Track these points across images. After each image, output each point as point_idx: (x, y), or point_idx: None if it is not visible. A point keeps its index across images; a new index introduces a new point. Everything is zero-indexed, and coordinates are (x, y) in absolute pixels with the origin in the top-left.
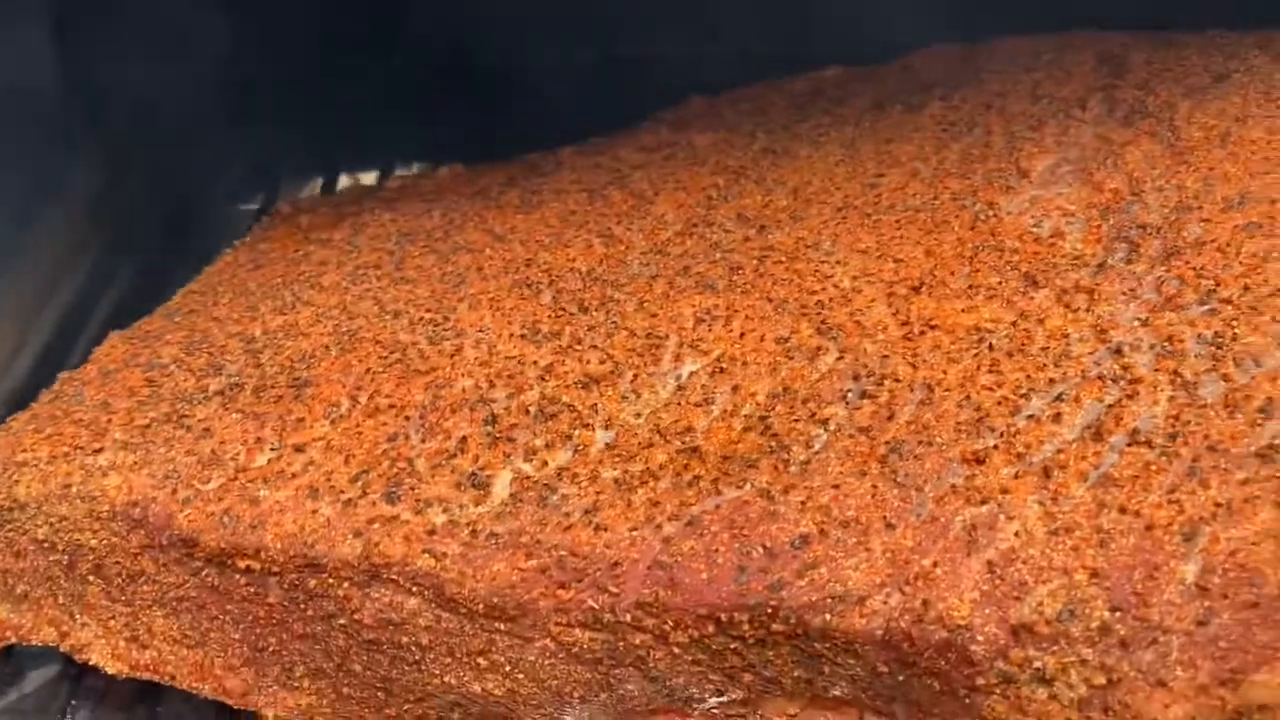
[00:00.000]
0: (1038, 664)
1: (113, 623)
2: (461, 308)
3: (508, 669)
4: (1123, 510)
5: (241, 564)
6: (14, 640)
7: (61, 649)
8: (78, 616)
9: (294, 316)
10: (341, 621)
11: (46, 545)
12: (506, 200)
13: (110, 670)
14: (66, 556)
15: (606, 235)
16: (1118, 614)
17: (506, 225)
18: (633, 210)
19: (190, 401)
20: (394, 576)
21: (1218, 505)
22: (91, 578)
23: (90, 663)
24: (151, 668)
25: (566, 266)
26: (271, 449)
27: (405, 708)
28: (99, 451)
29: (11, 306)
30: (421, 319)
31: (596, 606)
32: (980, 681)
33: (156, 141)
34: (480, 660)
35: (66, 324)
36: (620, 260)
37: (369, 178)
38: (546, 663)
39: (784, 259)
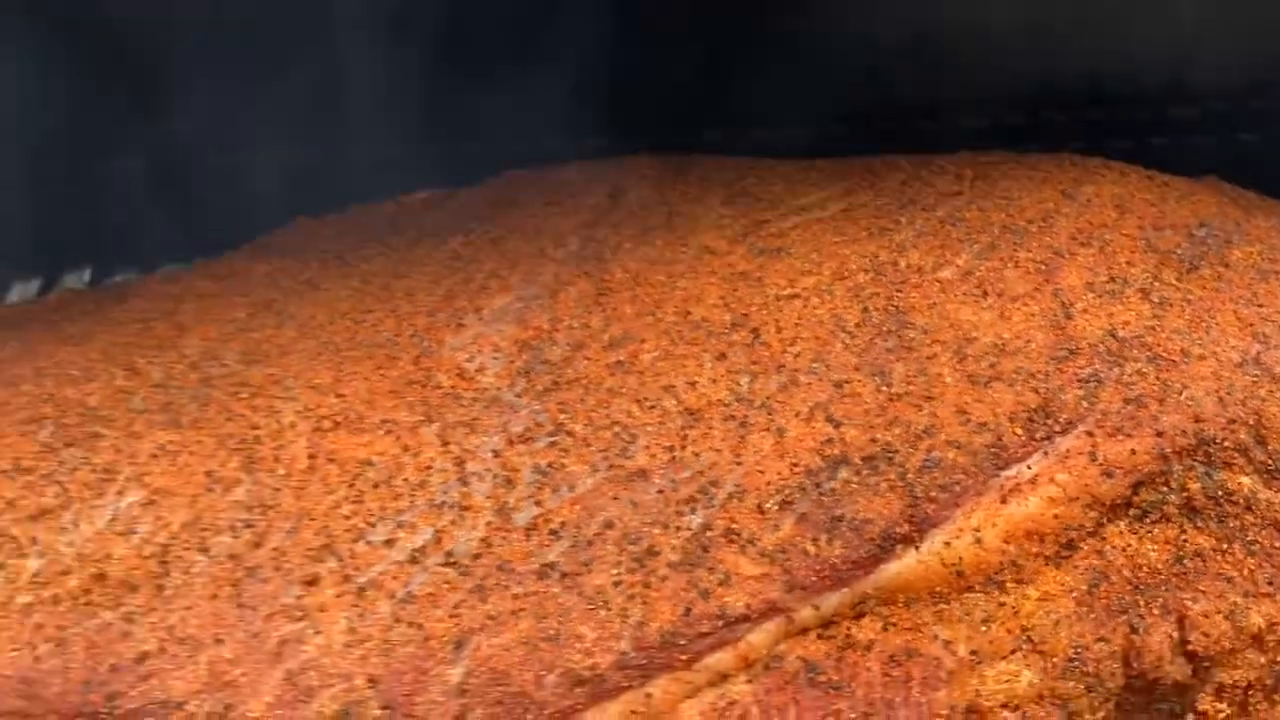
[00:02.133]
0: None
1: None
2: None
3: None
4: (409, 624)
5: None
6: None
7: None
8: None
9: None
10: None
11: None
12: (78, 330)
13: None
14: None
15: (130, 369)
16: (388, 711)
17: (52, 359)
18: (164, 344)
19: None
20: None
21: (490, 617)
22: None
23: None
24: None
25: (77, 402)
26: None
27: None
28: None
29: None
30: None
31: None
32: None
33: None
34: None
35: None
36: (129, 395)
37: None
38: None
39: (248, 394)
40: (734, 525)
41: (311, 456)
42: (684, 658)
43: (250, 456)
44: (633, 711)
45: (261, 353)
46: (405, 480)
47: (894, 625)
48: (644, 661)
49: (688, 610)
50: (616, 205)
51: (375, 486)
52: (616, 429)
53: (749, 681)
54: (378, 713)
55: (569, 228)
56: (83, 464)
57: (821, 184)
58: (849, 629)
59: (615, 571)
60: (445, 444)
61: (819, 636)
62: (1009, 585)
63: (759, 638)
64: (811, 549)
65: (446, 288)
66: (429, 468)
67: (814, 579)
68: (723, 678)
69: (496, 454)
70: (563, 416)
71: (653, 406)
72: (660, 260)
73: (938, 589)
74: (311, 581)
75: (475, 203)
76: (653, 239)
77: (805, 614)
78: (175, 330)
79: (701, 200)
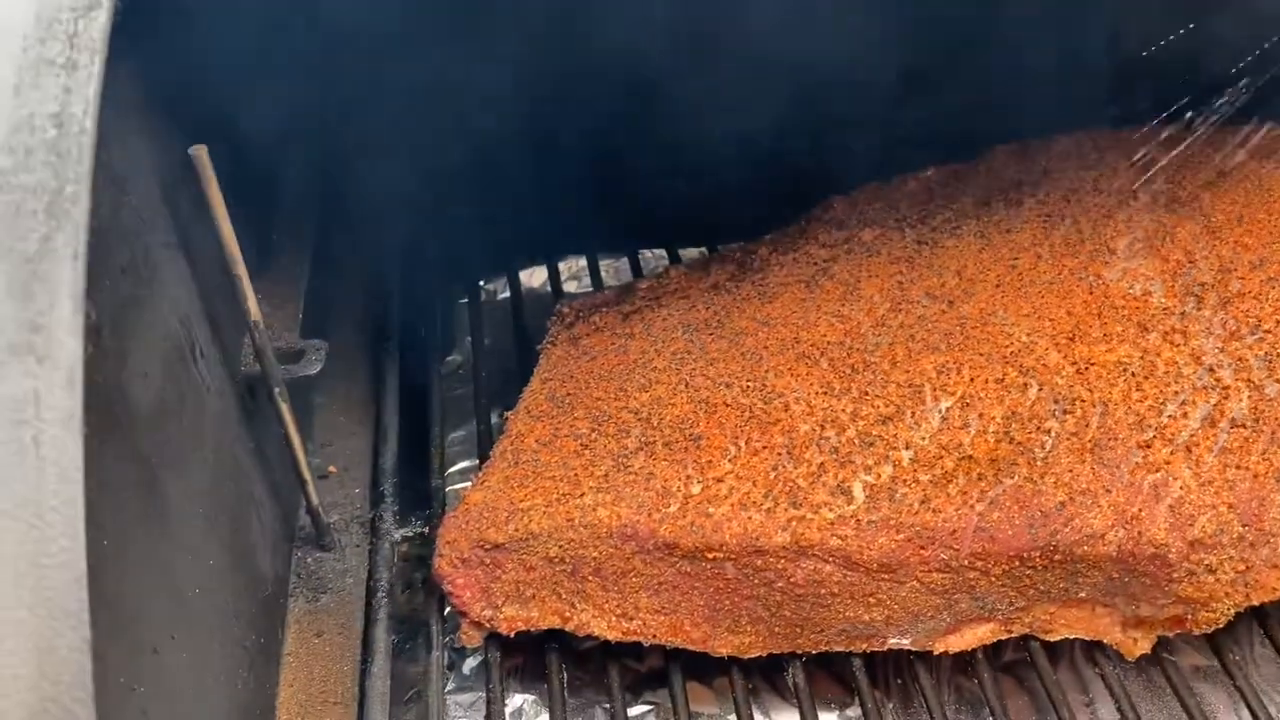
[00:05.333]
0: (1206, 561)
1: (606, 605)
2: (769, 377)
3: (887, 602)
4: (1238, 467)
5: (709, 555)
6: (524, 628)
7: (566, 629)
8: (578, 605)
9: (655, 393)
10: (779, 584)
11: (555, 560)
12: (744, 294)
13: (608, 638)
14: (571, 566)
15: (839, 315)
16: (1246, 528)
17: (763, 313)
18: (846, 295)
19: (625, 456)
20: (816, 553)
21: None
22: (591, 577)
23: (591, 634)
24: (637, 632)
25: (824, 341)
26: (699, 482)
27: (811, 636)
28: (582, 495)
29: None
30: (747, 387)
31: (945, 558)
32: (1174, 575)
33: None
34: (870, 599)
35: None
36: (858, 333)
37: (540, 273)
38: (913, 596)
39: (976, 324)
40: None
41: (1073, 363)
42: None
43: (1021, 366)
44: None
45: (949, 296)
46: (1164, 373)
47: None
48: None
49: None
50: (1150, 164)
51: (1147, 378)
52: None
53: None
54: (1240, 529)
55: (1124, 184)
56: (887, 382)
57: None
58: None
59: None
60: (1175, 346)
61: None
62: None
63: None
64: None
65: (1062, 236)
66: (1175, 363)
67: None
68: None
69: (1221, 349)
70: (1251, 320)
71: None
72: (1251, 204)
73: None
74: (1147, 445)
75: (997, 173)
76: (1229, 189)
77: None
78: (842, 286)
79: (1232, 156)
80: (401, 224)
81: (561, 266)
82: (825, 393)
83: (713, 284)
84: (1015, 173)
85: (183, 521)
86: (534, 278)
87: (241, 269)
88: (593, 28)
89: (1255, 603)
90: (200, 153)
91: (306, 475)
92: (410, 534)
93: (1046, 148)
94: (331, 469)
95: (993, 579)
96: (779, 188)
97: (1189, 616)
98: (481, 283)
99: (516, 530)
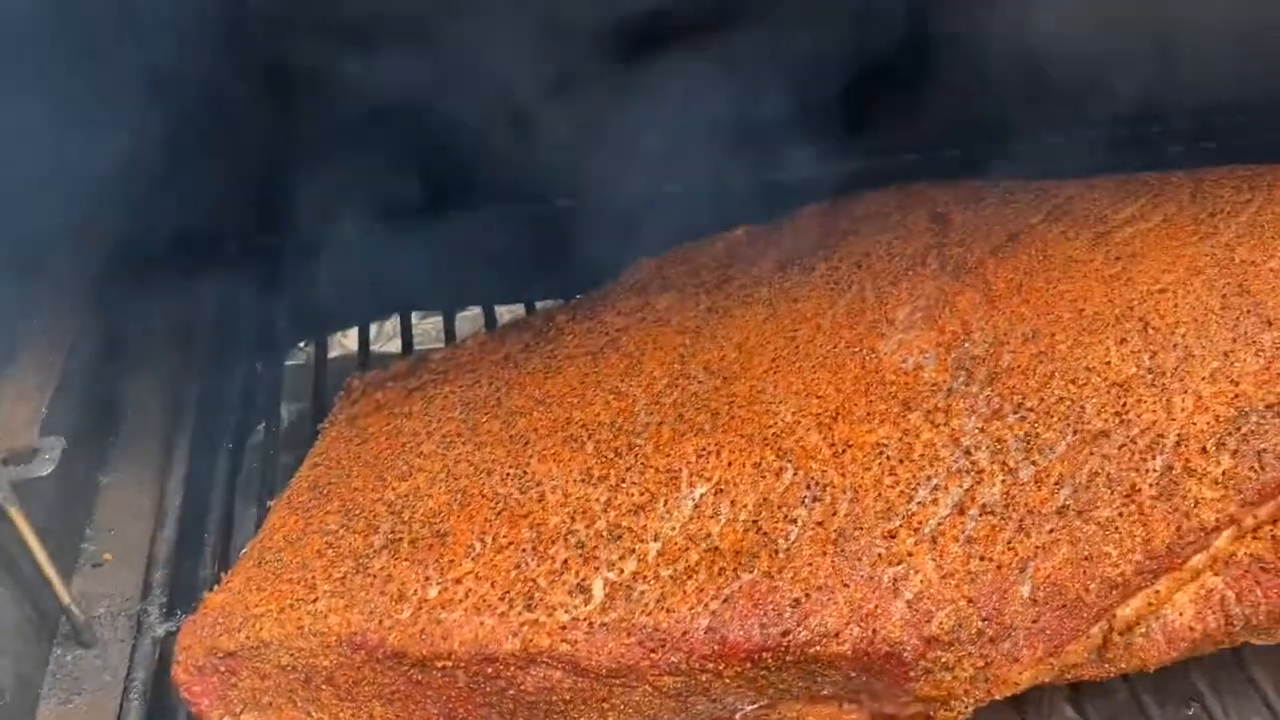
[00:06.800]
0: (944, 659)
1: (341, 715)
2: (533, 463)
3: (621, 707)
4: (981, 558)
5: (438, 664)
6: None
7: None
8: (313, 714)
9: (414, 482)
10: (510, 692)
11: (288, 668)
12: (531, 368)
13: None
14: (303, 674)
15: (616, 392)
16: (986, 622)
17: (541, 390)
18: (628, 370)
19: (366, 557)
20: (545, 660)
21: (1037, 548)
22: (324, 686)
23: None
24: None
25: (595, 421)
26: (438, 584)
27: None
28: (316, 601)
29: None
30: (508, 474)
31: (675, 661)
32: (911, 674)
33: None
34: (604, 704)
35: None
36: (631, 412)
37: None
38: (646, 700)
39: (744, 403)
40: (1189, 464)
41: (831, 445)
42: (1178, 561)
43: (780, 449)
44: (1148, 603)
45: (726, 371)
46: (921, 455)
47: None
48: (1154, 567)
49: (1179, 528)
50: (948, 226)
51: (901, 461)
52: (1067, 403)
53: (1216, 574)
54: (979, 624)
55: (916, 249)
56: (646, 467)
57: (1123, 200)
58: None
59: (1114, 507)
60: (935, 426)
61: (1254, 537)
62: None
63: (1221, 542)
64: (1251, 474)
65: (845, 305)
66: (933, 444)
67: (1256, 495)
68: (1198, 573)
69: (981, 430)
70: (1016, 397)
71: (1084, 384)
72: (1032, 272)
73: None
74: (892, 535)
75: (801, 234)
76: (1013, 255)
77: (1248, 521)
78: (626, 359)
79: (1026, 219)
80: (203, 291)
81: (388, 325)
82: (584, 480)
83: (504, 356)
84: (817, 234)
85: None
86: (351, 339)
87: None
88: None
89: (997, 697)
90: None
91: (50, 575)
92: (175, 629)
93: (850, 207)
94: (107, 556)
95: (727, 680)
96: None
97: (931, 714)
98: (302, 344)
99: (248, 638)
